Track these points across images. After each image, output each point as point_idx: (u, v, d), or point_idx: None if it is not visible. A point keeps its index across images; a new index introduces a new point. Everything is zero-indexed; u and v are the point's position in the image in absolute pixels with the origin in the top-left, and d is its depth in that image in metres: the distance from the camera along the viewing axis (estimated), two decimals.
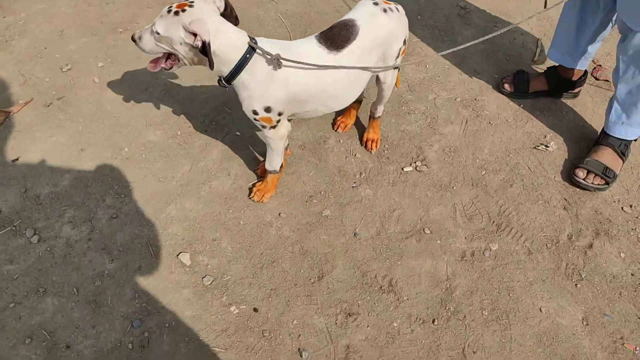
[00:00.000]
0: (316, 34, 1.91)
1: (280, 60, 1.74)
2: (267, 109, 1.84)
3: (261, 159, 2.37)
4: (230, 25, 1.77)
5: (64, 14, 2.98)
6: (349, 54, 1.87)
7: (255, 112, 1.85)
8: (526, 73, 2.82)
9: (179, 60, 1.83)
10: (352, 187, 2.31)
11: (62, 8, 3.01)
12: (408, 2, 3.33)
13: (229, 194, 2.23)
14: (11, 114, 2.41)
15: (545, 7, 3.38)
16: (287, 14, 3.19)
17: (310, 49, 1.85)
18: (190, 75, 2.69)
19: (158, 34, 1.72)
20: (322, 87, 1.86)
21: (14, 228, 2.04)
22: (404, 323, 1.92)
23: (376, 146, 2.46)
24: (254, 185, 2.25)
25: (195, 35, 1.64)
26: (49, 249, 1.99)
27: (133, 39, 1.82)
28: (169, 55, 1.86)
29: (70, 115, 2.45)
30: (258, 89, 1.79)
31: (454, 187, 2.36)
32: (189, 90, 2.64)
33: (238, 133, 2.48)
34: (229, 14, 1.81)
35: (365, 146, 2.47)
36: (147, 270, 1.96)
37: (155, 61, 1.90)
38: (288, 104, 1.86)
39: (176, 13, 1.67)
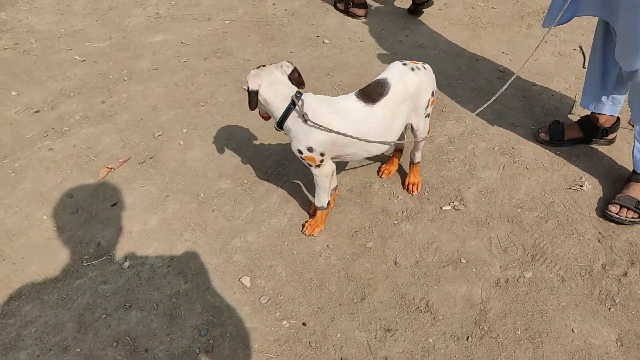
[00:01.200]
0: (356, 91, 2.28)
1: (306, 118, 2.11)
2: (310, 149, 2.19)
3: (312, 200, 2.71)
4: (286, 82, 2.19)
5: (157, 93, 3.61)
6: (382, 106, 2.22)
7: (300, 152, 2.22)
8: (561, 123, 3.03)
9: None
10: (394, 223, 2.57)
11: (156, 89, 3.66)
12: (450, 68, 3.70)
13: (285, 229, 2.56)
14: (112, 169, 2.95)
15: (584, 66, 3.64)
16: (341, 85, 3.65)
17: (350, 103, 2.22)
18: (258, 134, 3.15)
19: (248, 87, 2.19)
20: (359, 134, 2.20)
21: (109, 257, 2.48)
22: (439, 339, 2.08)
23: (417, 189, 2.72)
24: (306, 221, 2.57)
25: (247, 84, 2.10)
26: (136, 273, 2.40)
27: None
28: None
29: (159, 170, 2.95)
30: (300, 133, 2.17)
31: (490, 223, 2.55)
32: (255, 147, 3.09)
33: (295, 181, 2.85)
34: (296, 78, 2.23)
35: (407, 189, 2.74)
36: (214, 290, 2.30)
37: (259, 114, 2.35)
38: (329, 146, 2.20)
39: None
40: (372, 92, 2.23)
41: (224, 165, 2.96)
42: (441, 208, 2.63)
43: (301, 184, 2.82)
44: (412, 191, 2.70)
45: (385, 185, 2.79)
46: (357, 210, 2.64)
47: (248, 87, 2.12)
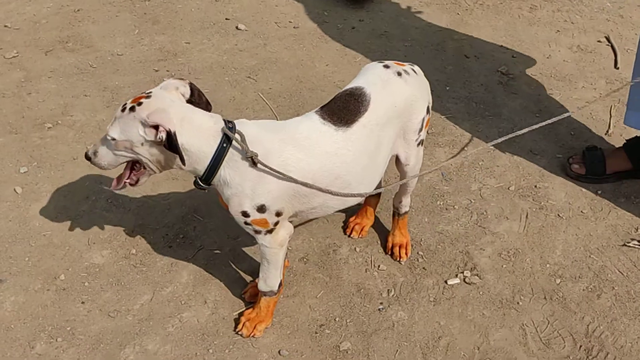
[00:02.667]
0: (316, 109, 2.22)
1: (255, 161, 2.02)
2: (261, 209, 2.09)
3: (248, 279, 2.58)
4: (198, 111, 2.08)
5: None
6: (360, 130, 2.16)
7: (245, 214, 2.10)
8: (599, 149, 3.15)
9: (144, 169, 2.13)
10: (379, 309, 2.50)
11: None
12: (431, 69, 3.77)
13: (207, 329, 2.40)
14: None
15: (616, 66, 3.86)
16: (271, 94, 3.60)
17: (313, 128, 2.14)
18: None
19: (114, 140, 2.03)
20: (333, 174, 2.14)
21: None
22: None
23: (407, 253, 2.69)
24: (241, 314, 2.43)
25: (156, 128, 1.95)
26: None
27: (87, 157, 2.16)
28: (132, 166, 2.18)
29: None
30: (247, 184, 2.05)
31: (520, 303, 2.55)
32: (144, 197, 2.91)
33: (215, 249, 2.71)
34: (197, 100, 2.13)
35: (392, 254, 2.69)
36: None
37: (118, 178, 2.22)
38: (288, 199, 2.10)
39: (132, 109, 1.99)
40: (343, 110, 2.17)
41: (96, 225, 2.77)
42: (446, 282, 2.61)
43: (225, 251, 2.69)
44: (400, 257, 2.67)
45: (357, 250, 2.73)
46: (320, 291, 2.55)
47: (164, 132, 1.95)
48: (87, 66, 3.74)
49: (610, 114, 3.49)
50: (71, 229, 2.75)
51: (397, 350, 2.37)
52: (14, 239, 2.70)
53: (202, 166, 2.04)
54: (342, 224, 2.83)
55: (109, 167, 2.15)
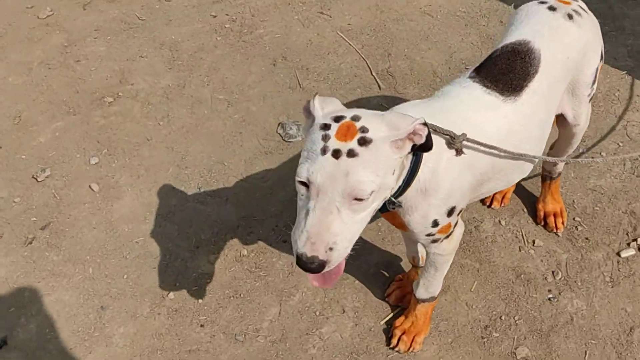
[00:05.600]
0: (470, 72, 1.75)
1: (459, 147, 1.57)
2: (451, 212, 1.66)
3: (384, 274, 2.18)
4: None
5: (14, 87, 2.86)
6: (531, 97, 1.74)
7: (435, 223, 1.66)
8: None
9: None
10: (549, 299, 2.11)
11: (10, 78, 2.90)
12: None
13: (354, 345, 2.03)
14: None
15: None
16: (352, 32, 3.08)
17: (479, 101, 1.70)
18: (237, 150, 2.53)
19: (372, 192, 1.35)
20: (514, 149, 1.71)
21: None
22: None
23: (563, 222, 2.28)
24: (390, 323, 2.05)
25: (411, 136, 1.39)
26: None
27: (319, 265, 1.36)
28: None
29: (68, 253, 2.29)
30: (444, 185, 1.60)
31: None
32: (240, 180, 2.49)
33: None
34: None
35: (545, 225, 2.28)
36: None
37: (326, 275, 1.49)
38: (472, 190, 1.71)
39: (364, 141, 1.33)
40: (509, 73, 1.76)
41: (192, 224, 2.35)
42: (619, 255, 2.20)
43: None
44: (556, 228, 2.25)
45: (503, 223, 2.31)
46: (473, 282, 2.15)
47: (423, 128, 1.39)
48: (135, 19, 3.21)
49: None
50: (166, 230, 2.34)
51: (586, 352, 1.98)
52: (105, 252, 2.29)
53: (401, 178, 1.52)
54: None
55: (347, 252, 1.43)
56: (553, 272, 2.17)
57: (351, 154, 1.34)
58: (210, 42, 3.06)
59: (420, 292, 1.95)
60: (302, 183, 1.39)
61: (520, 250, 2.24)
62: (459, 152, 1.59)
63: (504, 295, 2.13)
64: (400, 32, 3.06)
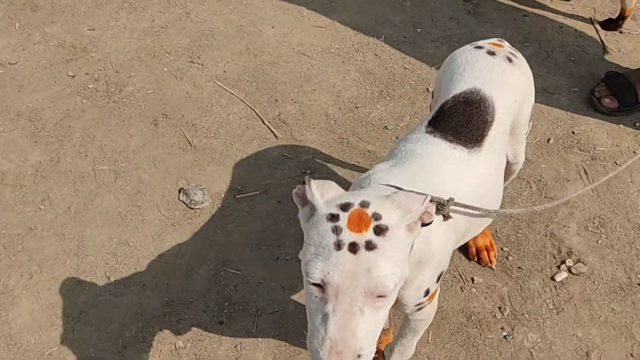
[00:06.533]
0: (424, 126, 1.70)
1: (447, 212, 1.48)
2: (439, 277, 1.57)
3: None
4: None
5: None
6: (491, 145, 1.73)
7: (427, 292, 1.56)
8: (621, 75, 2.82)
9: None
10: (504, 337, 2.08)
11: None
12: (387, 10, 3.24)
13: None
14: None
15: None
16: (230, 79, 2.92)
17: (447, 157, 1.64)
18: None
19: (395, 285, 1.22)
20: (486, 199, 1.68)
21: None
22: None
23: (495, 256, 2.28)
24: None
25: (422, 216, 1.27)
26: None
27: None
28: None
29: None
30: (436, 256, 1.50)
31: None
32: (153, 261, 2.23)
33: (276, 310, 2.13)
34: None
35: (479, 260, 2.27)
36: None
37: None
38: (451, 249, 1.65)
39: (382, 229, 1.20)
40: (467, 125, 1.72)
41: (114, 320, 2.06)
42: (553, 279, 2.23)
43: (288, 310, 2.13)
44: (490, 261, 2.24)
45: None
46: (426, 332, 2.08)
47: (432, 206, 1.30)
48: None
49: (596, 29, 3.16)
50: (82, 334, 2.04)
51: None
52: None
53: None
54: None
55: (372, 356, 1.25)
56: (500, 307, 2.15)
57: (370, 246, 1.19)
58: (75, 106, 2.74)
59: (395, 358, 1.84)
60: (316, 284, 1.22)
61: (462, 290, 2.20)
62: (446, 217, 1.50)
63: (460, 341, 2.08)
64: (280, 75, 2.93)
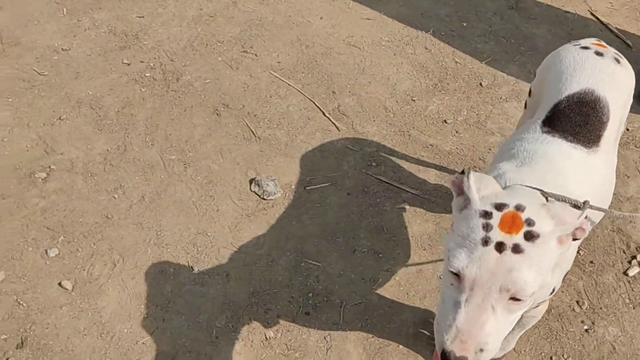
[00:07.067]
0: (538, 123, 1.72)
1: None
2: (565, 276, 1.61)
3: (426, 332, 2.08)
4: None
5: None
6: (606, 145, 1.75)
7: (553, 291, 1.59)
8: None
9: None
10: (586, 330, 2.13)
11: None
12: (434, 4, 3.27)
13: None
14: None
15: None
16: (285, 70, 2.93)
17: (570, 156, 1.66)
18: None
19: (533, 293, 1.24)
20: (605, 199, 1.73)
21: None
22: None
23: None
24: None
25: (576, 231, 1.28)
26: None
27: None
28: None
29: None
30: (569, 259, 1.55)
31: None
32: (235, 252, 2.23)
33: (359, 302, 2.15)
34: None
35: None
36: None
37: None
38: None
39: (532, 235, 1.22)
40: (585, 125, 1.74)
41: (202, 310, 2.08)
42: (626, 274, 2.28)
43: (371, 301, 2.15)
44: None
45: None
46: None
47: (587, 222, 1.30)
48: (34, 74, 2.78)
49: (614, 31, 3.22)
50: (173, 324, 2.04)
51: None
52: None
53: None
54: None
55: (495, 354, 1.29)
56: (577, 301, 2.20)
57: (517, 249, 1.21)
58: (135, 95, 2.73)
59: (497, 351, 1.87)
60: (454, 273, 1.25)
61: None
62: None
63: (544, 334, 2.12)
64: (333, 66, 2.94)
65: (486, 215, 1.25)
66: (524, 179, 1.53)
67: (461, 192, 1.32)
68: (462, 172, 1.32)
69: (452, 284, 1.26)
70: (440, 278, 2.18)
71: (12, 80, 2.72)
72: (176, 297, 2.10)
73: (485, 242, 1.21)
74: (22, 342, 1.96)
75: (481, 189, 1.30)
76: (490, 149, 2.62)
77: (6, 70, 2.77)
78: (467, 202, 1.30)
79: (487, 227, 1.23)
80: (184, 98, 2.73)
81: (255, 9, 3.20)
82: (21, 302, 2.05)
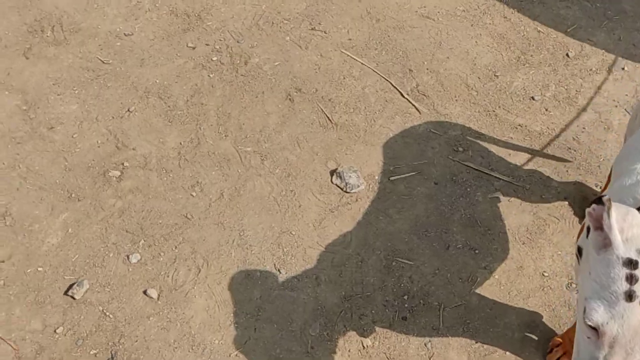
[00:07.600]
0: None
1: None
2: None
3: (533, 337, 1.95)
4: None
5: None
6: None
7: None
8: None
9: None
10: None
11: None
12: None
13: None
14: None
15: None
16: (356, 47, 2.76)
17: None
18: None
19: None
20: None
21: None
22: None
23: None
24: None
25: None
26: None
27: None
28: None
29: None
30: None
31: None
32: (323, 252, 2.11)
33: (459, 303, 2.02)
34: None
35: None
36: None
37: None
38: None
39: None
40: None
41: (294, 317, 1.98)
42: None
43: (471, 304, 2.01)
44: None
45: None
46: None
47: None
48: (98, 63, 2.66)
49: None
50: (265, 333, 1.95)
51: None
52: None
53: None
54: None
55: None
56: None
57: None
58: (203, 81, 2.59)
59: None
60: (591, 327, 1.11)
61: None
62: None
63: None
64: (407, 42, 2.76)
65: (631, 264, 1.10)
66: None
67: (599, 226, 1.17)
68: (600, 201, 1.16)
69: (589, 337, 1.12)
70: (567, 288, 2.03)
71: (77, 70, 2.61)
72: (266, 304, 2.00)
73: (630, 296, 1.07)
74: (112, 357, 1.88)
75: (625, 229, 1.14)
76: (584, 128, 2.44)
77: (69, 59, 2.65)
78: (607, 242, 1.14)
79: (631, 279, 1.09)
80: (254, 83, 2.59)
81: None
82: (107, 313, 1.97)
